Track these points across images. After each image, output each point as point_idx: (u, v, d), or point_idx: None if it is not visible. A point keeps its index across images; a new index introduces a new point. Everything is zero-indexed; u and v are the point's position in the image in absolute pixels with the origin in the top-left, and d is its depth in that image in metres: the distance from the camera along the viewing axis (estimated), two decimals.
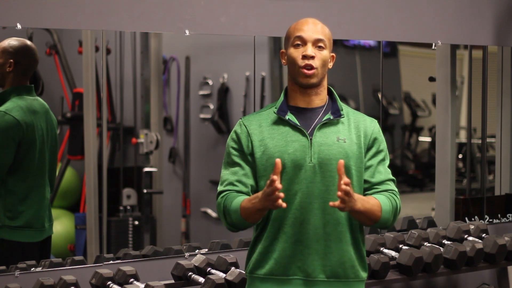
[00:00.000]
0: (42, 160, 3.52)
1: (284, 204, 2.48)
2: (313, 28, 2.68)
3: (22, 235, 3.49)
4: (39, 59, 3.73)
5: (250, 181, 2.69)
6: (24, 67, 3.56)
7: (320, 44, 2.67)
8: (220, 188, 2.72)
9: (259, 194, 2.55)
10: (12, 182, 3.46)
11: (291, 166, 2.65)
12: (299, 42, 2.67)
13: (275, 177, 2.45)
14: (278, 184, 2.45)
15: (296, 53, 2.67)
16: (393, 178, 2.76)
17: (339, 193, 2.48)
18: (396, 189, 2.74)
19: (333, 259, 2.67)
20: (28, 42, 3.60)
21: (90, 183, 4.28)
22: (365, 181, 2.72)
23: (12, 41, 3.53)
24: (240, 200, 2.63)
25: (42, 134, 3.53)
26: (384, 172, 2.73)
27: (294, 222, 2.66)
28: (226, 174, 2.72)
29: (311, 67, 2.65)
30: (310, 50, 2.65)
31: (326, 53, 2.68)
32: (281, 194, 2.47)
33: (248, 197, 2.64)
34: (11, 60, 3.51)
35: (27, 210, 3.48)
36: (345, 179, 2.48)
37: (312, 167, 2.65)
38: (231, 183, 2.70)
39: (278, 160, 2.48)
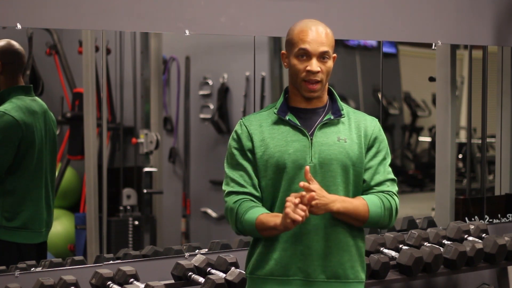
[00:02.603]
0: (40, 160, 3.52)
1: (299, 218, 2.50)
2: (317, 39, 2.64)
3: (19, 236, 3.49)
4: (26, 57, 3.72)
5: (255, 180, 2.69)
6: (14, 67, 3.55)
7: (325, 56, 2.65)
8: (228, 188, 2.71)
9: (279, 217, 2.56)
10: (11, 182, 3.46)
11: (291, 166, 2.65)
12: (303, 55, 2.65)
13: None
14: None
15: (300, 65, 2.65)
16: (393, 177, 2.75)
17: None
18: (395, 189, 2.73)
19: (333, 260, 2.67)
20: (13, 42, 3.57)
21: (90, 183, 4.28)
22: (364, 182, 2.71)
23: None
24: (256, 213, 2.63)
25: (41, 134, 3.53)
26: (383, 173, 2.72)
27: None
28: (233, 174, 2.71)
29: (315, 82, 2.64)
30: (315, 65, 2.63)
31: (330, 63, 2.67)
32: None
33: (265, 211, 2.64)
34: None
35: (25, 211, 3.48)
36: (310, 188, 2.52)
37: (313, 167, 2.65)
38: (240, 184, 2.69)
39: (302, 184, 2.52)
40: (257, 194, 2.69)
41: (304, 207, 2.50)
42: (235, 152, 2.72)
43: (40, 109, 3.56)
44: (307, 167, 2.55)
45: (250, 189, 2.68)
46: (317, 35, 2.65)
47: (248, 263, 2.75)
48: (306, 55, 2.64)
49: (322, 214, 2.63)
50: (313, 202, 2.53)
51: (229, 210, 2.69)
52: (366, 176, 2.71)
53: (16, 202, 3.47)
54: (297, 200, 2.50)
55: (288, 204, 2.50)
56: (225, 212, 2.73)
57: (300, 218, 2.49)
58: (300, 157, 2.65)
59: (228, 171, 2.73)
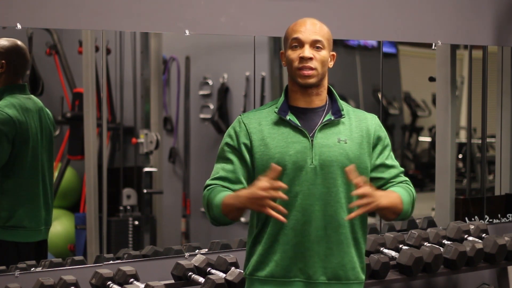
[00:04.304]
0: (35, 158, 3.52)
1: (281, 217, 2.50)
2: (310, 29, 2.66)
3: (17, 235, 3.49)
4: (30, 58, 3.72)
5: (239, 179, 2.68)
6: (16, 67, 3.55)
7: (318, 44, 2.65)
8: (208, 181, 2.70)
9: (242, 192, 2.55)
10: (5, 181, 3.45)
11: (292, 168, 2.64)
12: (296, 44, 2.65)
13: (271, 182, 2.48)
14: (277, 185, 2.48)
15: (293, 54, 2.65)
16: (402, 169, 2.78)
17: (357, 202, 2.51)
18: (408, 179, 2.76)
19: (334, 261, 2.66)
20: (19, 42, 3.58)
21: (90, 183, 4.27)
22: (379, 179, 2.72)
23: (3, 42, 3.53)
24: (223, 195, 2.61)
25: (35, 132, 3.53)
26: (395, 166, 2.75)
27: (295, 224, 2.65)
28: (217, 168, 2.71)
29: (309, 68, 2.63)
30: (307, 51, 2.63)
31: (324, 53, 2.67)
32: (282, 195, 2.49)
33: (232, 193, 2.63)
34: (3, 61, 3.51)
35: (21, 210, 3.48)
36: (359, 181, 2.50)
37: (313, 169, 2.64)
38: (219, 178, 2.68)
39: (275, 166, 2.50)
40: (233, 188, 2.66)
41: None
42: (226, 147, 2.72)
43: (35, 107, 3.56)
44: (351, 166, 2.55)
45: (227, 184, 2.66)
46: (311, 26, 2.67)
47: (247, 263, 2.75)
48: (299, 43, 2.65)
49: (322, 216, 2.63)
50: (372, 205, 2.52)
51: (202, 198, 2.69)
52: (380, 173, 2.72)
53: (12, 201, 3.46)
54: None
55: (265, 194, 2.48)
56: (202, 203, 2.72)
57: (283, 219, 2.51)
58: (300, 158, 2.64)
59: (215, 165, 2.73)
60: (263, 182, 2.49)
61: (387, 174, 2.73)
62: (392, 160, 2.76)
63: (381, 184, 2.73)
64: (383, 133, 2.76)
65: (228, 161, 2.70)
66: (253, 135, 2.69)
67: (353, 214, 2.54)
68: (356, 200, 2.55)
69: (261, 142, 2.68)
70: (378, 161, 2.73)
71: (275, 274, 2.68)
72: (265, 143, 2.67)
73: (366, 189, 2.52)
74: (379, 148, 2.74)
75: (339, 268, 2.67)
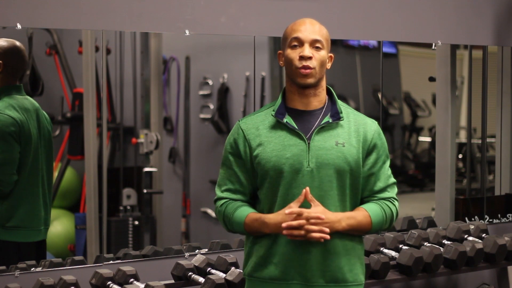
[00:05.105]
0: (36, 158, 3.52)
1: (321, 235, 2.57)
2: (310, 29, 2.66)
3: (18, 235, 3.49)
4: (28, 59, 3.71)
5: (247, 188, 2.70)
6: (14, 68, 3.54)
7: (318, 44, 2.64)
8: (218, 192, 2.73)
9: (270, 220, 2.61)
10: None
11: (288, 171, 2.63)
12: (296, 43, 2.65)
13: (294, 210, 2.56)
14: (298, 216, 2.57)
15: (293, 54, 2.64)
16: (393, 181, 2.74)
17: (316, 234, 2.56)
18: (395, 193, 2.73)
19: (332, 264, 2.65)
20: (17, 43, 3.56)
21: (90, 183, 4.28)
22: (365, 188, 2.70)
23: (0, 42, 3.52)
24: (244, 213, 2.66)
25: (35, 132, 3.52)
26: (384, 179, 2.71)
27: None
28: (224, 178, 2.73)
29: (308, 67, 2.63)
30: (307, 50, 2.62)
31: (323, 53, 2.66)
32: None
33: (252, 211, 2.67)
34: (0, 62, 3.50)
35: (22, 210, 3.47)
36: (316, 214, 2.56)
37: (310, 172, 2.63)
38: (229, 190, 2.71)
39: (306, 190, 2.58)
40: (244, 199, 2.72)
41: (302, 232, 2.56)
42: (230, 157, 2.72)
43: (32, 107, 3.55)
44: (307, 188, 2.58)
45: (238, 196, 2.71)
46: (310, 26, 2.67)
47: (246, 263, 2.75)
48: (298, 43, 2.64)
49: None
50: (320, 230, 2.57)
51: (217, 212, 2.75)
52: (367, 183, 2.69)
53: (13, 201, 3.46)
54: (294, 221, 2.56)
55: (287, 221, 2.57)
56: (216, 216, 2.78)
57: (296, 237, 2.57)
58: (297, 161, 2.63)
59: (221, 173, 2.74)
60: (293, 210, 2.57)
61: (374, 187, 2.70)
62: (383, 173, 2.71)
63: (366, 195, 2.71)
64: (380, 141, 2.72)
65: (233, 170, 2.71)
66: (251, 141, 2.69)
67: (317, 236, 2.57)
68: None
69: (259, 147, 2.67)
70: (370, 171, 2.69)
71: (274, 276, 2.67)
72: (263, 147, 2.67)
73: (318, 211, 2.57)
74: (373, 156, 2.70)
75: (337, 270, 2.66)
